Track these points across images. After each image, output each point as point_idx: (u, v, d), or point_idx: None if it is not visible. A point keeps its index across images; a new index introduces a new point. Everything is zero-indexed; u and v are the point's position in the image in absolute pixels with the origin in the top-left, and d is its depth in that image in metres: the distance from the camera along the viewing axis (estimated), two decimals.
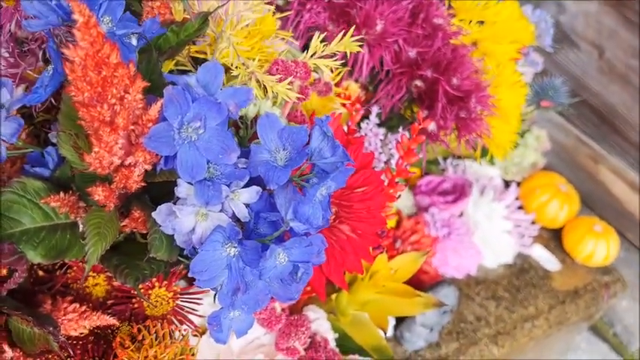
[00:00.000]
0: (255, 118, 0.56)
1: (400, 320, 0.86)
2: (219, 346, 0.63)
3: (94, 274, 0.58)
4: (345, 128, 0.65)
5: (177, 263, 0.49)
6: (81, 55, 0.40)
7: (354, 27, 0.64)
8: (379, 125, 0.83)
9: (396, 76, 0.80)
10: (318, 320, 0.72)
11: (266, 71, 0.59)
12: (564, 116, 1.27)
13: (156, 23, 0.51)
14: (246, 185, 0.45)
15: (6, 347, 0.49)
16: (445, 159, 1.03)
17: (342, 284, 0.62)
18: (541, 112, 1.11)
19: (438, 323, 0.86)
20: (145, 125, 0.43)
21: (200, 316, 0.61)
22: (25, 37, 0.55)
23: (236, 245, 0.44)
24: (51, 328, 0.47)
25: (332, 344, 0.71)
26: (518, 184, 1.10)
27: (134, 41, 0.49)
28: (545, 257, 1.07)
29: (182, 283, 0.61)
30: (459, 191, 0.99)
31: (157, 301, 0.59)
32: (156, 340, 0.55)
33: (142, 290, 0.58)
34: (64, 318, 0.50)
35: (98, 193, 0.45)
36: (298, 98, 0.60)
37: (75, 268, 0.58)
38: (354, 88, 0.80)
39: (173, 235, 0.46)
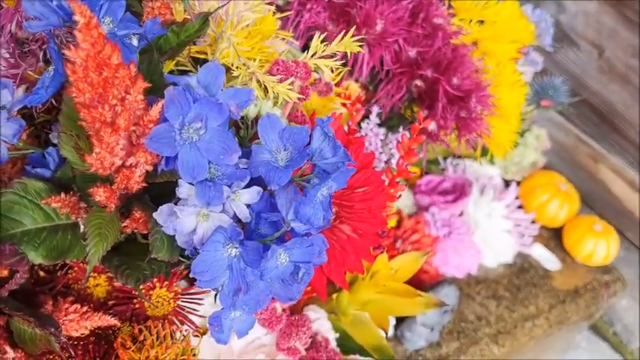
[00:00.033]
0: (256, 119, 0.56)
1: (401, 320, 0.86)
2: (220, 346, 0.63)
3: (95, 275, 0.58)
4: (346, 128, 0.65)
5: (178, 264, 0.49)
6: (82, 56, 0.40)
7: (354, 27, 0.64)
8: (379, 125, 0.83)
9: (396, 75, 0.80)
10: (318, 320, 0.72)
11: (267, 71, 0.59)
12: (564, 115, 1.27)
13: (156, 24, 0.51)
14: (247, 186, 0.45)
15: (7, 348, 0.49)
16: (445, 158, 1.03)
17: (343, 284, 0.62)
18: (541, 112, 1.11)
19: (438, 323, 0.86)
20: (146, 126, 0.43)
21: (201, 316, 0.61)
22: (26, 38, 0.55)
23: (237, 246, 0.44)
24: (52, 329, 0.47)
25: (333, 344, 0.71)
26: (518, 183, 1.10)
27: (135, 42, 0.49)
28: (545, 256, 1.07)
29: (183, 284, 0.61)
30: (459, 191, 0.99)
31: (158, 301, 0.59)
32: (157, 340, 0.55)
33: (143, 291, 0.58)
34: (65, 319, 0.51)
35: (99, 194, 0.45)
36: (299, 98, 0.60)
37: (76, 268, 0.58)
38: (354, 88, 0.80)
39: (174, 236, 0.46)
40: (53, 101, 0.53)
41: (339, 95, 0.75)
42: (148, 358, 0.54)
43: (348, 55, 0.65)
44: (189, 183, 0.44)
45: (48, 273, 0.58)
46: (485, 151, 0.95)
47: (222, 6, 0.58)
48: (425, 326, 0.85)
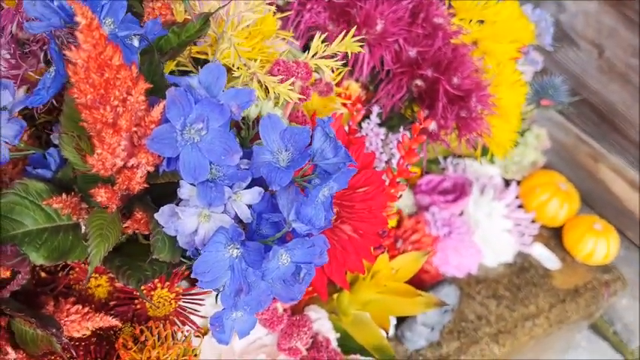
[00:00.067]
0: (257, 119, 0.56)
1: (401, 320, 0.86)
2: (222, 346, 0.63)
3: (97, 276, 0.58)
4: (347, 128, 0.65)
5: (179, 264, 0.49)
6: (83, 57, 0.40)
7: (354, 27, 0.64)
8: (380, 125, 0.83)
9: (396, 75, 0.80)
10: (319, 320, 0.72)
11: (267, 72, 0.59)
12: (564, 115, 1.27)
13: (157, 24, 0.51)
14: (249, 186, 0.45)
15: (9, 349, 0.49)
16: (445, 158, 1.03)
17: (344, 284, 0.62)
18: (541, 111, 1.11)
19: (439, 322, 0.86)
20: (147, 127, 0.43)
21: (202, 316, 0.61)
22: (27, 39, 0.55)
23: (239, 246, 0.44)
24: (54, 330, 0.47)
25: (334, 344, 0.72)
26: (518, 182, 1.10)
27: (136, 43, 0.49)
28: (545, 256, 1.07)
29: (184, 284, 0.61)
30: (459, 190, 0.99)
31: (159, 302, 0.59)
32: (158, 341, 0.55)
33: (144, 291, 0.58)
34: (66, 319, 0.51)
35: (100, 195, 0.45)
36: (300, 99, 0.60)
37: (77, 269, 0.58)
38: (354, 88, 0.80)
39: (175, 237, 0.46)
40: (54, 102, 0.53)
41: (339, 95, 0.75)
42: (150, 358, 0.54)
43: (349, 55, 0.65)
44: (191, 184, 0.44)
45: (49, 274, 0.58)
46: (485, 151, 0.95)
47: (223, 6, 0.58)
48: (425, 326, 0.85)
